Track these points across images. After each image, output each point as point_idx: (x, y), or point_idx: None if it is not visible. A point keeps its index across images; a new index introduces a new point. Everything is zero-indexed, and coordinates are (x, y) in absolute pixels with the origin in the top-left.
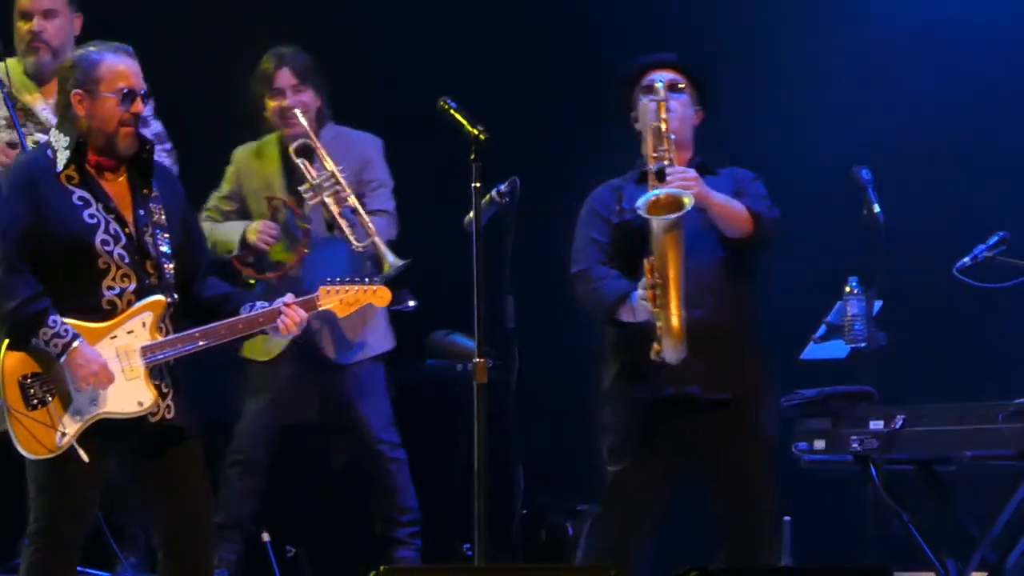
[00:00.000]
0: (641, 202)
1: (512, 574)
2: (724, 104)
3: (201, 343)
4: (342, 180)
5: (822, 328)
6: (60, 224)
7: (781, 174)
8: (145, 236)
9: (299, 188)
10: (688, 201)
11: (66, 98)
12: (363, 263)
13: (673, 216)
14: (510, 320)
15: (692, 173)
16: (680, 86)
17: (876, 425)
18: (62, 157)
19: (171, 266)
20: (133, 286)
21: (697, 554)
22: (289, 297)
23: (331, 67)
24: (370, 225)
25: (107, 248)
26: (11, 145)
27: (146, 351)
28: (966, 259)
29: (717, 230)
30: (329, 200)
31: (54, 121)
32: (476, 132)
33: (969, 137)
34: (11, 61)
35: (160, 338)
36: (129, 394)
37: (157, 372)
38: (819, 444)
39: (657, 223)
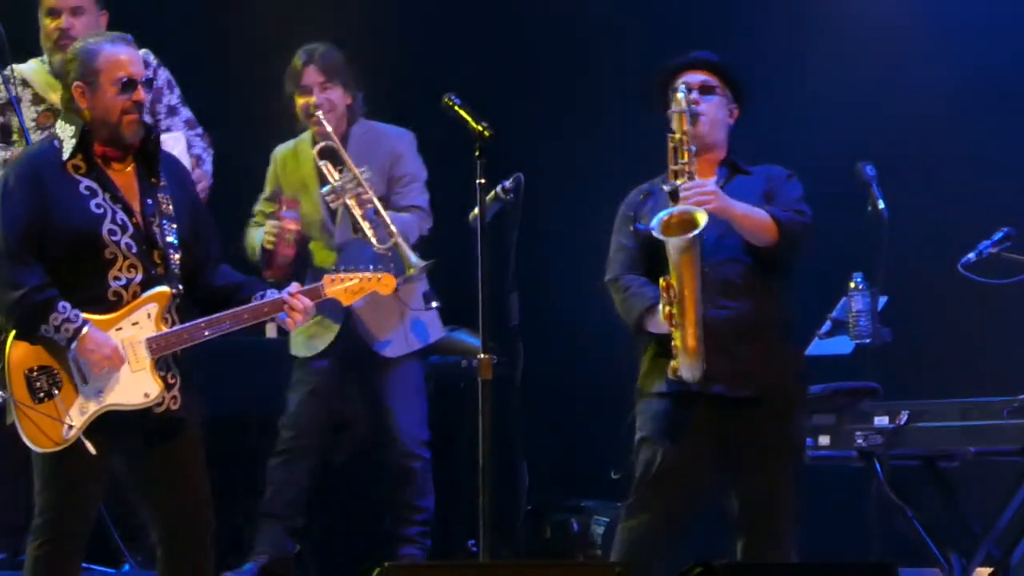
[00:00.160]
0: (655, 222)
1: (516, 570)
2: (759, 101)
3: (207, 333)
4: (364, 182)
5: (827, 324)
6: (66, 214)
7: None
8: (152, 226)
9: (321, 191)
10: (702, 219)
11: (68, 91)
12: (388, 264)
13: (685, 237)
14: (514, 316)
15: (711, 186)
16: (712, 87)
17: (881, 421)
18: (68, 146)
19: (177, 256)
20: (139, 276)
21: (702, 551)
22: (294, 286)
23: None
24: (392, 227)
25: (114, 238)
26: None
27: (151, 343)
28: (971, 255)
29: None
30: (351, 202)
31: None
32: (480, 128)
33: (974, 133)
34: (34, 61)
35: (165, 329)
36: (135, 386)
37: (163, 363)
38: (824, 440)
39: (671, 244)
